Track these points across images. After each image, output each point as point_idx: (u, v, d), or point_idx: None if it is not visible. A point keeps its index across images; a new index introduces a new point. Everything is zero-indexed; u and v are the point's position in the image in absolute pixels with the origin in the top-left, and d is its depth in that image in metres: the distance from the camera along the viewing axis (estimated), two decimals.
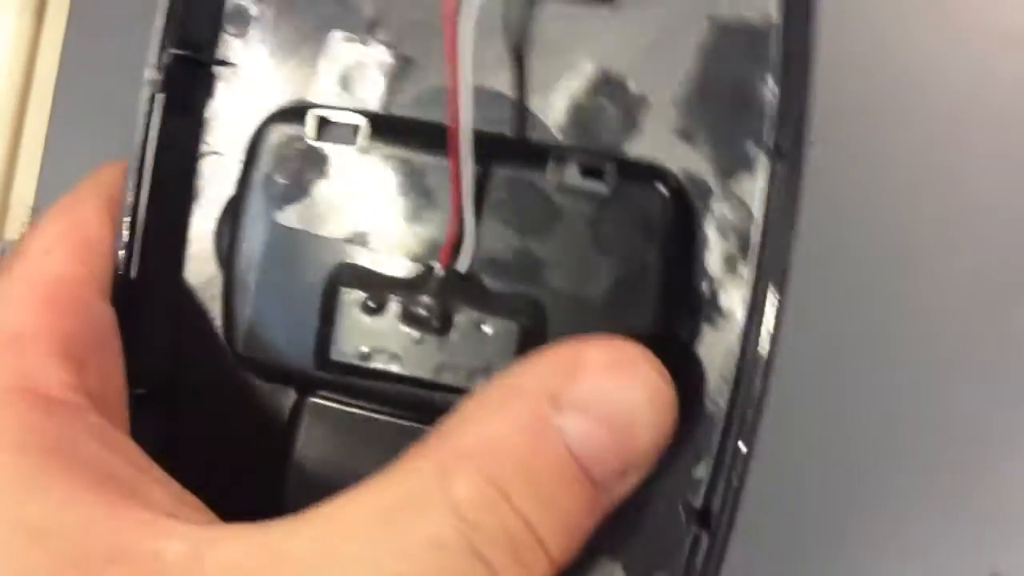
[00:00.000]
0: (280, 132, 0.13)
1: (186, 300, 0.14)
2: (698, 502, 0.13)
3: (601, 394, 0.10)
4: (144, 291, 0.13)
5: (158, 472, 0.11)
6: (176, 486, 0.11)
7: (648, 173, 0.13)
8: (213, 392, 0.14)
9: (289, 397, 0.14)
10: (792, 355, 0.29)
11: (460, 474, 0.09)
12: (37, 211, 0.30)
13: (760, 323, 0.13)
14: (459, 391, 0.12)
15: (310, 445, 0.14)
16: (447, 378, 0.13)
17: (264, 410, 0.14)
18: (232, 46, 0.14)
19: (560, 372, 0.10)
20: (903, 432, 0.29)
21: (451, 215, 0.12)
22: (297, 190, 0.13)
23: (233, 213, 0.14)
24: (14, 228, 0.34)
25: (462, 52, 0.11)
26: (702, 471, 0.13)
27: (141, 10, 0.33)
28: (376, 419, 0.13)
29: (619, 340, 0.11)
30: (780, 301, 0.13)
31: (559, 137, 0.13)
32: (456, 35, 0.11)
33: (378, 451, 0.12)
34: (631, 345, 0.11)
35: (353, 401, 0.13)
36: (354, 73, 0.13)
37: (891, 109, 0.32)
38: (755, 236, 0.13)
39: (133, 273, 0.13)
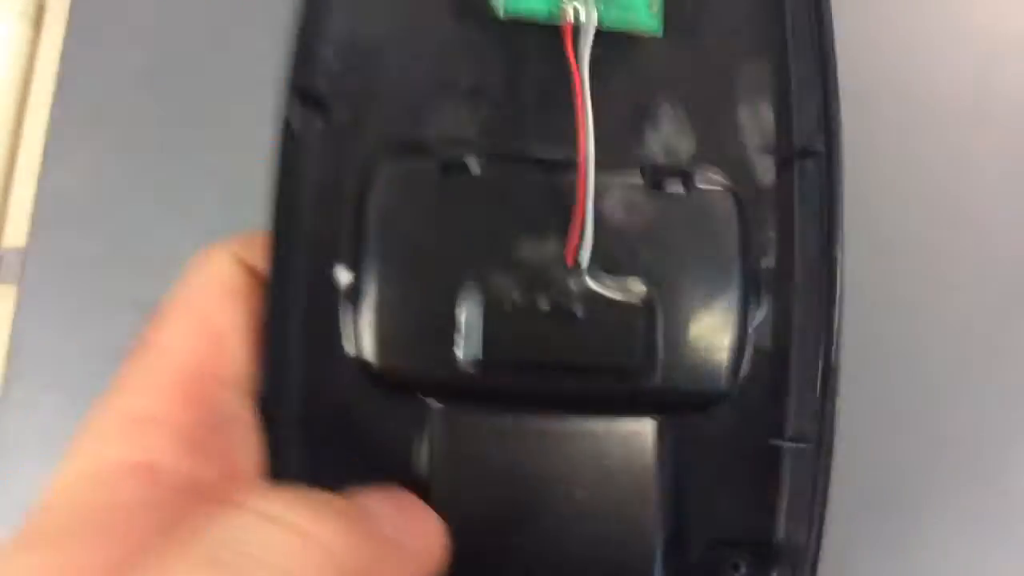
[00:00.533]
0: (399, 168, 0.15)
1: (318, 329, 0.15)
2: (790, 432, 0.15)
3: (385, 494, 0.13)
4: (286, 353, 0.15)
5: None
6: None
7: (716, 180, 0.16)
8: (353, 417, 0.15)
9: (425, 410, 0.15)
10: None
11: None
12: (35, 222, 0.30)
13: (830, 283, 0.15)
14: (597, 370, 0.15)
15: (452, 451, 0.15)
16: (583, 359, 0.15)
17: (402, 426, 0.15)
18: (345, 90, 0.15)
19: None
20: (911, 435, 0.29)
21: (575, 218, 0.14)
22: (423, 217, 0.15)
23: (359, 242, 0.15)
24: (13, 235, 0.33)
25: (583, 87, 0.14)
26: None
27: (140, 17, 0.33)
28: (511, 419, 0.15)
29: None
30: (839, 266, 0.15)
31: (644, 156, 0.16)
32: (578, 74, 0.14)
33: (515, 447, 0.15)
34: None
35: (490, 404, 0.15)
36: (459, 110, 0.15)
37: (896, 111, 0.32)
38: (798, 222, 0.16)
39: (278, 357, 0.14)
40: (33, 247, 0.30)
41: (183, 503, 0.12)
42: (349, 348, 0.15)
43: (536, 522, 0.14)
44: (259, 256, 0.14)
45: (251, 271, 0.14)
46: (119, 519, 0.12)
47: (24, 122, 0.35)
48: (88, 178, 0.30)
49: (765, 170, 0.16)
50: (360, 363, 0.15)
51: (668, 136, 0.15)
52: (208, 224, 0.30)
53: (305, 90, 0.15)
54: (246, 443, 0.13)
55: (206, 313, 0.14)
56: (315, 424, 0.15)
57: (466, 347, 0.15)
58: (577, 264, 0.15)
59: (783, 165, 0.16)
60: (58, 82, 0.32)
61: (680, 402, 0.15)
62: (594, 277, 0.15)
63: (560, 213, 0.15)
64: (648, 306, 0.15)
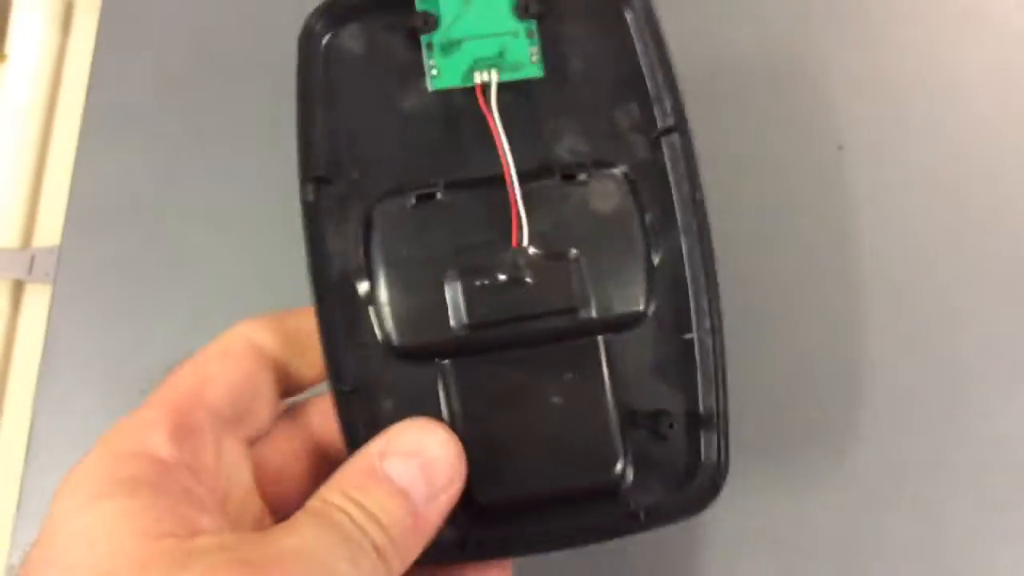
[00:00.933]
0: (386, 206, 0.21)
1: (351, 316, 0.21)
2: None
3: (408, 442, 0.19)
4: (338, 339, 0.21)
5: (205, 502, 0.18)
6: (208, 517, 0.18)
7: (609, 165, 0.22)
8: (387, 381, 0.21)
9: (437, 367, 0.21)
10: (809, 350, 0.29)
11: (334, 495, 0.19)
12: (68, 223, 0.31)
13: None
14: (550, 313, 0.21)
15: (460, 389, 0.21)
16: (538, 308, 0.21)
17: (423, 382, 0.21)
18: (339, 165, 0.22)
19: (385, 439, 0.19)
20: (950, 433, 0.29)
21: (512, 209, 0.20)
22: (409, 236, 0.21)
23: (368, 262, 0.21)
24: (46, 235, 0.34)
25: (497, 123, 0.21)
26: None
27: (170, 20, 0.33)
28: (499, 358, 0.21)
29: (418, 419, 0.20)
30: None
31: (554, 160, 0.22)
32: (491, 116, 0.21)
33: (504, 377, 0.21)
34: (426, 419, 0.20)
35: (481, 353, 0.21)
36: (419, 157, 0.22)
37: (914, 111, 0.32)
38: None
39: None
40: (66, 246, 0.30)
41: (170, 472, 0.18)
42: (377, 335, 0.21)
43: (528, 424, 0.21)
44: (265, 335, 0.21)
45: (252, 343, 0.21)
46: (148, 480, 0.18)
47: (54, 123, 0.35)
48: (120, 178, 0.31)
49: (641, 149, 0.22)
50: (386, 344, 0.21)
51: (568, 142, 0.22)
52: (236, 224, 0.31)
53: (313, 174, 0.21)
54: (209, 443, 0.19)
55: (203, 365, 0.20)
56: (364, 391, 0.21)
57: (455, 318, 0.21)
58: (520, 244, 0.21)
59: (653, 143, 0.22)
60: (89, 84, 0.32)
61: (613, 324, 0.21)
62: (534, 251, 0.21)
63: (504, 213, 0.21)
64: (577, 262, 0.21)
